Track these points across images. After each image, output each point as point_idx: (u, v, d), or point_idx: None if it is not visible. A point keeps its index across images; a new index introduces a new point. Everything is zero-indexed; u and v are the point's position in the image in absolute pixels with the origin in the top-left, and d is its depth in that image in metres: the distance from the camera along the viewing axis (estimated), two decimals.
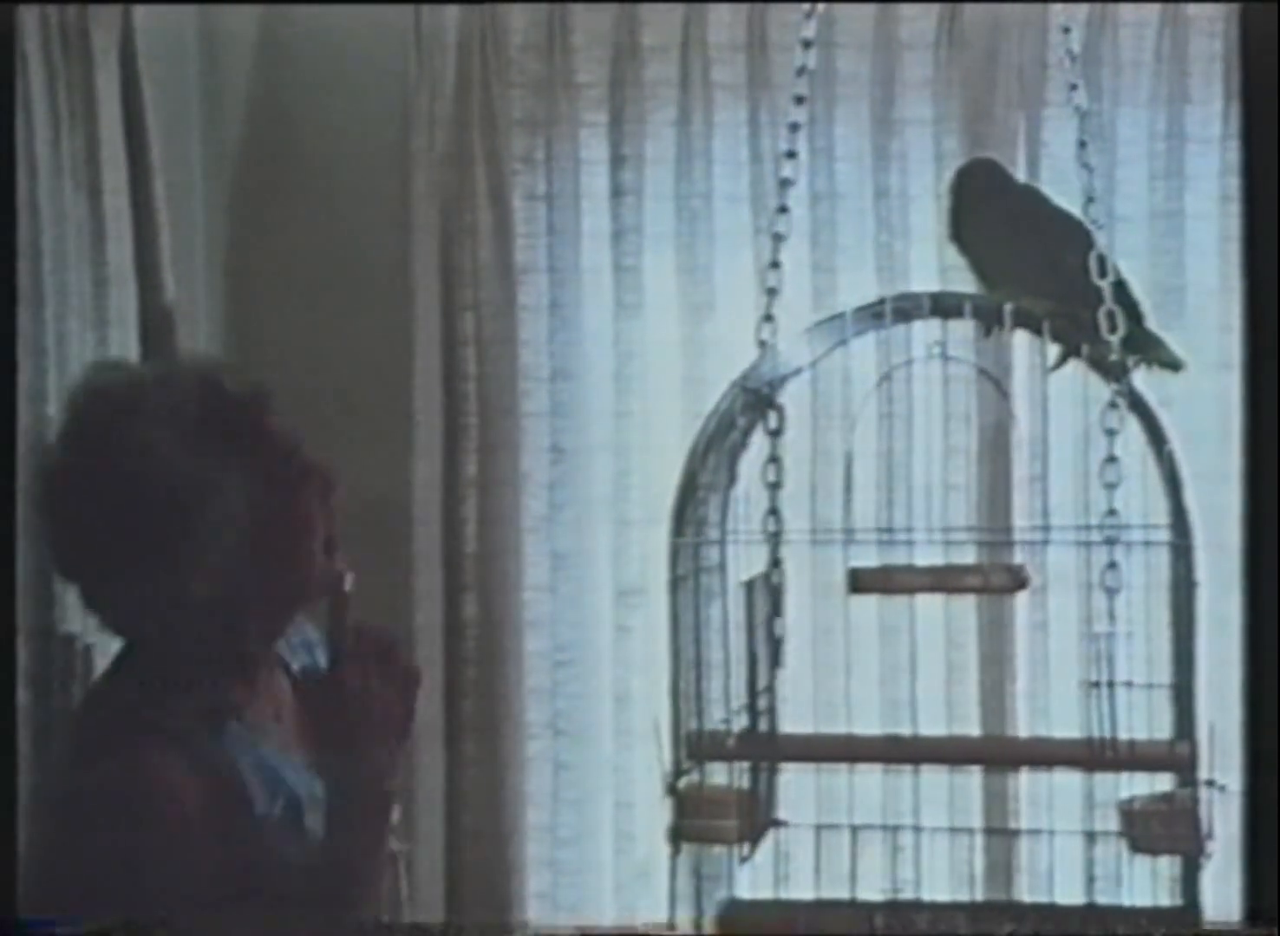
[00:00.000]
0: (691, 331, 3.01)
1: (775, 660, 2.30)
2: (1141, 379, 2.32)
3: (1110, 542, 2.20)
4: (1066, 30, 2.43)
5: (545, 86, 3.01)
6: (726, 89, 2.99)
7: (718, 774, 2.29)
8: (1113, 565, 2.21)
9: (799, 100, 2.39)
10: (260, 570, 2.03)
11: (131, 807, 1.91)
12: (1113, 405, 2.24)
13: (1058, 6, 2.55)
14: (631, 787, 3.04)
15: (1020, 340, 2.64)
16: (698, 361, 3.01)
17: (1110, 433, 2.23)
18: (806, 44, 2.39)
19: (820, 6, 2.42)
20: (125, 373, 2.20)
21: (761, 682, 2.33)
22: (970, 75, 2.90)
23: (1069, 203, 2.87)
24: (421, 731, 2.98)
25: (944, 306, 2.35)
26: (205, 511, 2.00)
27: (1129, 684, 2.20)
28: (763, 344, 2.34)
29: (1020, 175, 2.88)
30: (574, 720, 3.07)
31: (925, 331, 2.42)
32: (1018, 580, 2.26)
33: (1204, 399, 2.82)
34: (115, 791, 1.92)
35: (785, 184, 2.37)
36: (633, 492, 3.04)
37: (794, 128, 2.39)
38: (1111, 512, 2.21)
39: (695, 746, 2.27)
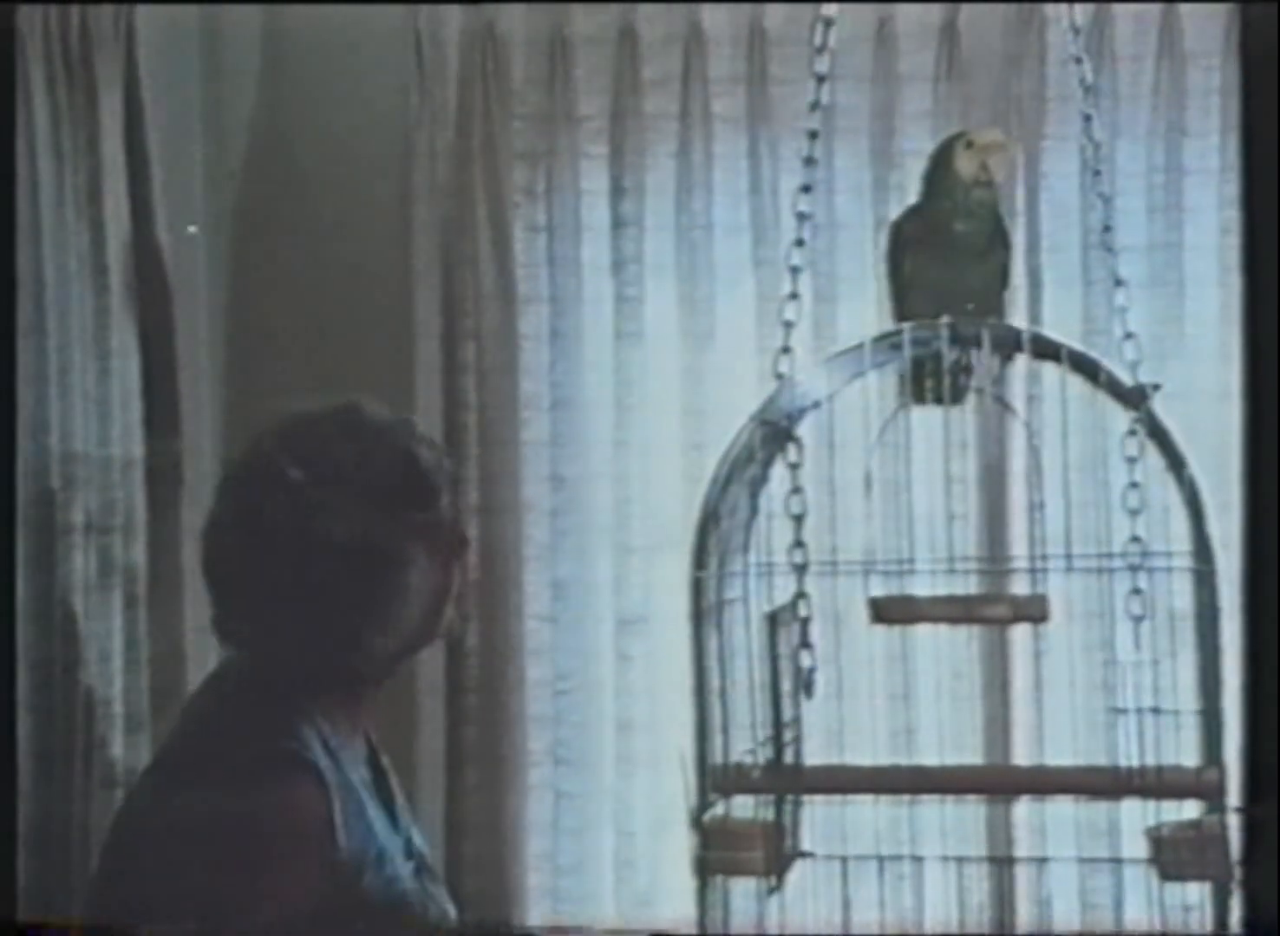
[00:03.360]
0: (692, 361, 3.02)
1: (805, 691, 2.29)
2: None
3: (1135, 569, 2.22)
4: (1078, 61, 2.43)
5: (546, 119, 3.02)
6: (726, 121, 3.00)
7: (742, 806, 2.28)
8: (1137, 591, 2.22)
9: (813, 135, 2.38)
10: (400, 620, 2.05)
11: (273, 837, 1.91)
12: (1132, 432, 2.26)
13: (1064, 39, 2.56)
14: (632, 816, 3.04)
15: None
16: (698, 391, 3.01)
17: (1131, 460, 2.24)
18: (820, 78, 2.39)
19: (831, 41, 2.42)
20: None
21: (787, 714, 2.32)
22: (970, 108, 2.92)
23: (1069, 234, 2.93)
24: (424, 758, 3.01)
25: (962, 336, 2.34)
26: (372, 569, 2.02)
27: (1156, 710, 2.21)
28: (780, 376, 2.34)
29: (1021, 206, 2.93)
30: (575, 748, 3.06)
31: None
32: (1045, 610, 2.27)
33: (1204, 428, 2.82)
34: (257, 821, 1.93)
35: (801, 218, 2.37)
36: (634, 521, 3.04)
37: (808, 162, 2.38)
38: (1135, 540, 2.22)
39: (720, 779, 2.26)
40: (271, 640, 2.05)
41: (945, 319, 2.30)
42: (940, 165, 2.41)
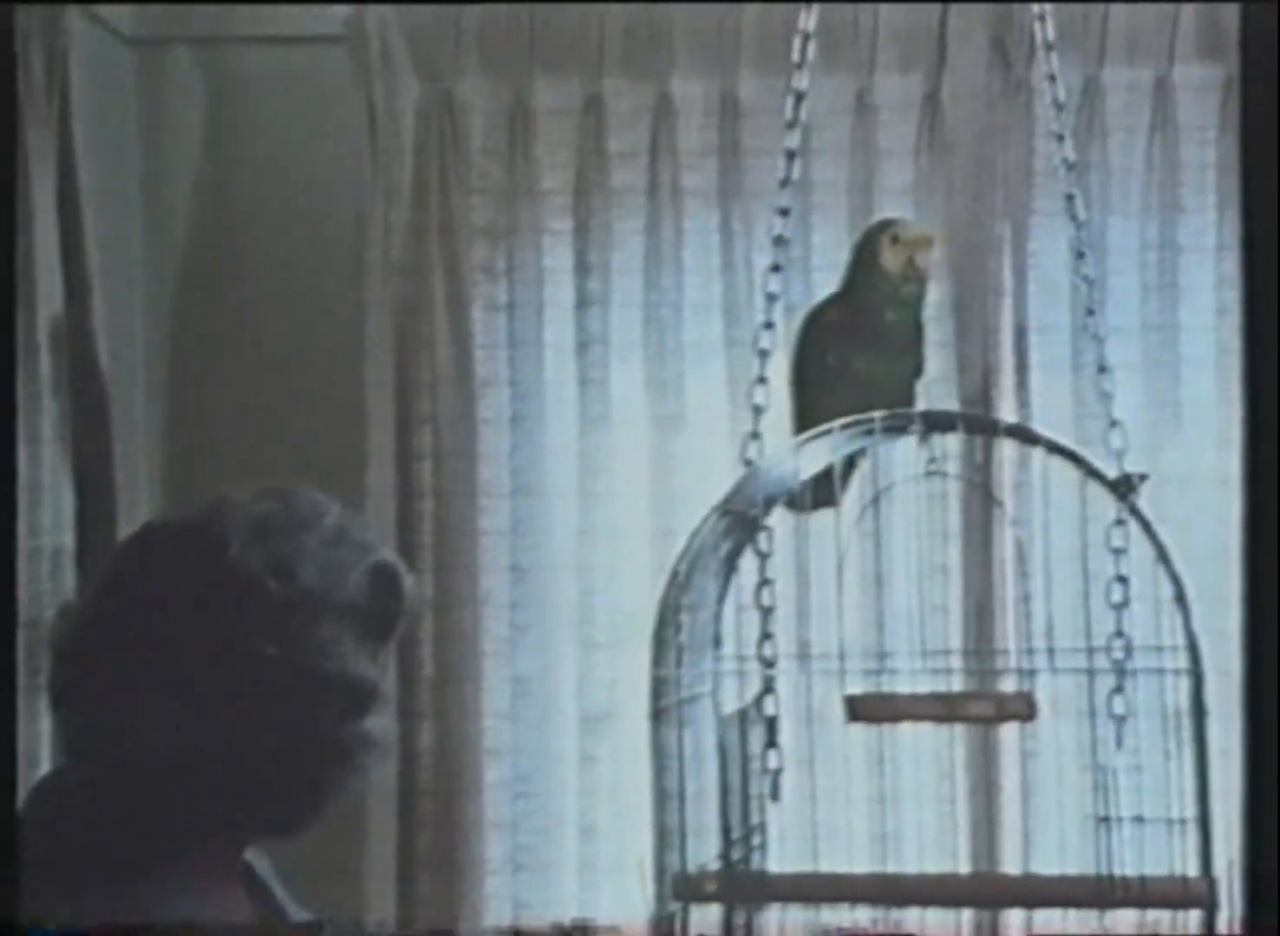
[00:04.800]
0: (660, 446, 2.97)
1: (773, 794, 2.17)
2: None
3: (1120, 668, 2.14)
4: (1060, 138, 2.35)
5: (507, 193, 2.97)
6: (697, 195, 2.96)
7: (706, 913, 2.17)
8: (1119, 690, 2.15)
9: (783, 213, 2.30)
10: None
11: None
12: (1119, 523, 2.15)
13: (1049, 113, 2.47)
14: None
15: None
16: (666, 477, 2.95)
17: (1117, 551, 2.15)
18: (790, 155, 2.31)
19: (803, 115, 2.33)
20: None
21: (751, 819, 2.21)
22: (954, 182, 2.87)
23: (1059, 312, 2.85)
24: (375, 866, 2.93)
25: (935, 422, 2.26)
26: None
27: (1139, 818, 2.11)
28: (749, 463, 2.24)
29: (1008, 285, 2.87)
30: (536, 855, 2.98)
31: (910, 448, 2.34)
32: (1030, 708, 2.15)
33: (1201, 514, 2.79)
34: None
35: (771, 299, 2.29)
36: (598, 614, 2.97)
37: (778, 241, 2.30)
38: (1118, 634, 2.15)
39: (680, 886, 2.14)
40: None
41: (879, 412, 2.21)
42: (865, 258, 2.39)
